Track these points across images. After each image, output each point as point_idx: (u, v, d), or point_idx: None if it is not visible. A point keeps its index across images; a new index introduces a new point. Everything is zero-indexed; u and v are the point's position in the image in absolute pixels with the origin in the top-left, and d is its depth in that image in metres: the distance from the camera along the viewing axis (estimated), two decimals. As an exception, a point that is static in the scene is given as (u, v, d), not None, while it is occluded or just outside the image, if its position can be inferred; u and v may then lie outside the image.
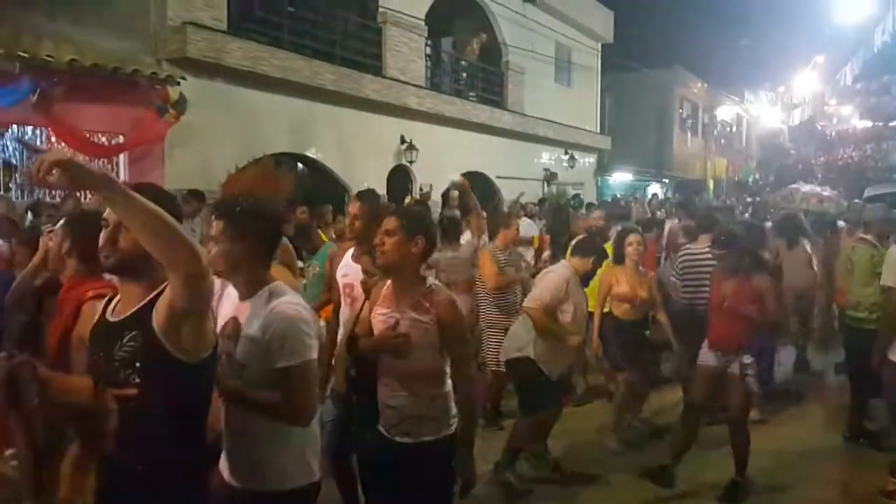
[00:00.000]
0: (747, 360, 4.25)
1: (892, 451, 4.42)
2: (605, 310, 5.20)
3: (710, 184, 29.43)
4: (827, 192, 14.82)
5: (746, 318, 4.21)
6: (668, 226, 9.07)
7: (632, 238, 5.11)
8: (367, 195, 3.85)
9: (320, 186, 11.64)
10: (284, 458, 2.20)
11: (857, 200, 11.57)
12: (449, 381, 2.77)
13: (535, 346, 4.23)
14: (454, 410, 2.77)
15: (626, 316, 5.10)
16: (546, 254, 7.65)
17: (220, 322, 2.23)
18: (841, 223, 8.64)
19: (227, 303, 2.33)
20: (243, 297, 2.25)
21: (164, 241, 1.67)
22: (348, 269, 4.23)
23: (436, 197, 13.52)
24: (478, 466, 2.87)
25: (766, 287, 4.31)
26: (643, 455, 4.87)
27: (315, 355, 2.19)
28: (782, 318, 5.35)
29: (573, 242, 4.83)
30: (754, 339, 4.35)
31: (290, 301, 2.19)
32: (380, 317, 2.77)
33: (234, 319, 2.21)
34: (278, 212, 2.56)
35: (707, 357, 4.35)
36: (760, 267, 4.49)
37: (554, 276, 4.33)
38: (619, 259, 5.14)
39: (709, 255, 4.91)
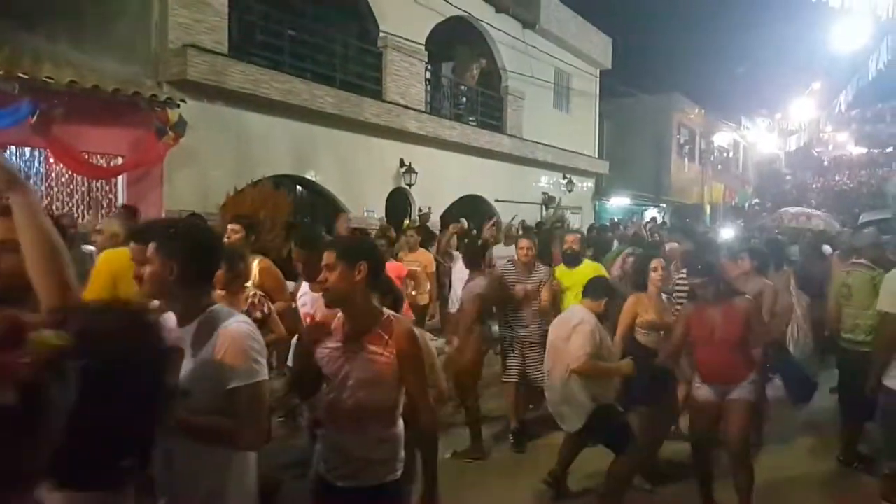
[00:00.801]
0: (755, 379, 4.14)
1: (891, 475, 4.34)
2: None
3: (707, 209, 29.48)
4: (815, 212, 14.90)
5: (740, 344, 4.11)
6: (666, 248, 9.03)
7: (655, 263, 4.83)
8: (306, 241, 3.96)
9: (319, 209, 11.63)
10: (231, 488, 2.10)
11: (846, 228, 11.61)
12: (400, 423, 2.57)
13: (587, 390, 4.18)
14: (402, 455, 2.56)
15: (654, 345, 4.74)
16: None
17: None
18: (827, 248, 8.63)
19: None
20: (182, 322, 2.11)
21: (47, 265, 1.65)
22: (307, 299, 4.21)
23: (434, 219, 13.53)
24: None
25: (751, 309, 4.23)
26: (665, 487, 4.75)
27: (266, 376, 2.10)
28: (776, 335, 5.24)
29: (586, 284, 4.65)
30: (755, 363, 4.23)
31: (240, 321, 2.13)
32: (325, 350, 2.53)
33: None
34: (214, 233, 2.42)
35: (701, 391, 4.23)
36: (735, 292, 4.38)
37: (584, 327, 4.18)
38: (642, 286, 4.85)
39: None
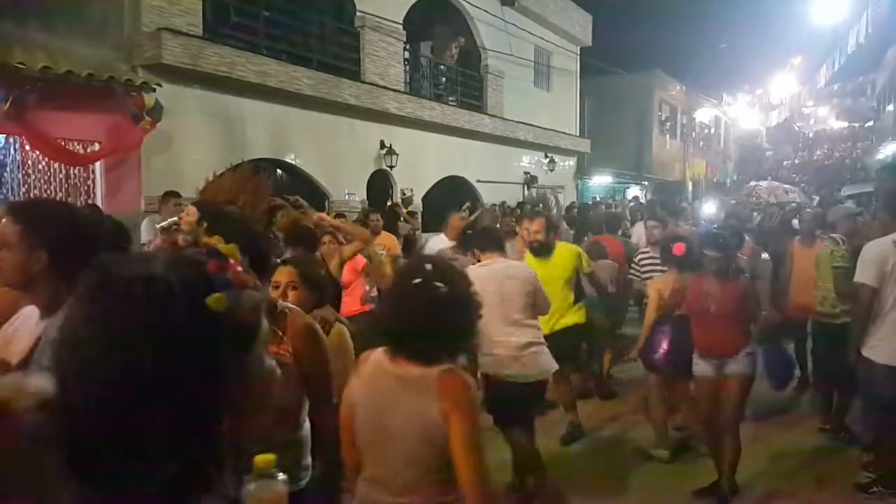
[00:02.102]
0: (749, 350, 4.24)
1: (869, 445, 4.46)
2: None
3: (689, 185, 29.67)
4: (791, 187, 15.11)
5: (736, 320, 4.21)
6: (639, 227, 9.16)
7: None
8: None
9: (300, 193, 11.58)
10: None
11: (814, 205, 11.81)
12: (307, 425, 2.34)
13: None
14: (308, 461, 2.33)
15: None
16: None
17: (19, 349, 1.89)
18: (796, 223, 8.77)
19: (26, 326, 1.95)
20: (45, 314, 1.89)
21: None
22: None
23: (417, 201, 13.54)
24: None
25: (748, 287, 4.35)
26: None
27: None
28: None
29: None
30: (750, 336, 4.33)
31: None
32: None
33: (38, 340, 1.85)
34: (89, 216, 2.14)
35: (699, 366, 4.33)
36: (738, 269, 4.51)
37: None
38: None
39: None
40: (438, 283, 2.01)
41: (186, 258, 0.88)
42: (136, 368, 0.74)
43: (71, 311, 0.81)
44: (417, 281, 2.03)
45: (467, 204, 11.44)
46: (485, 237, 4.66)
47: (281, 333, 2.27)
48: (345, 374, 2.31)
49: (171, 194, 7.42)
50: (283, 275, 2.90)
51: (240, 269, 0.91)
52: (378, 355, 2.11)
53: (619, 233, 8.54)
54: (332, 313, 3.16)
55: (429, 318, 1.99)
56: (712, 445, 4.40)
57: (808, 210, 7.49)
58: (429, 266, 2.08)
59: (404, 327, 2.02)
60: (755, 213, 9.91)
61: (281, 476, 1.04)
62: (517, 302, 4.17)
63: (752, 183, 15.35)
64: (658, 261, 5.63)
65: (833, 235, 5.41)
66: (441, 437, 1.92)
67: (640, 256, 6.24)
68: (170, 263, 0.83)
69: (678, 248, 4.86)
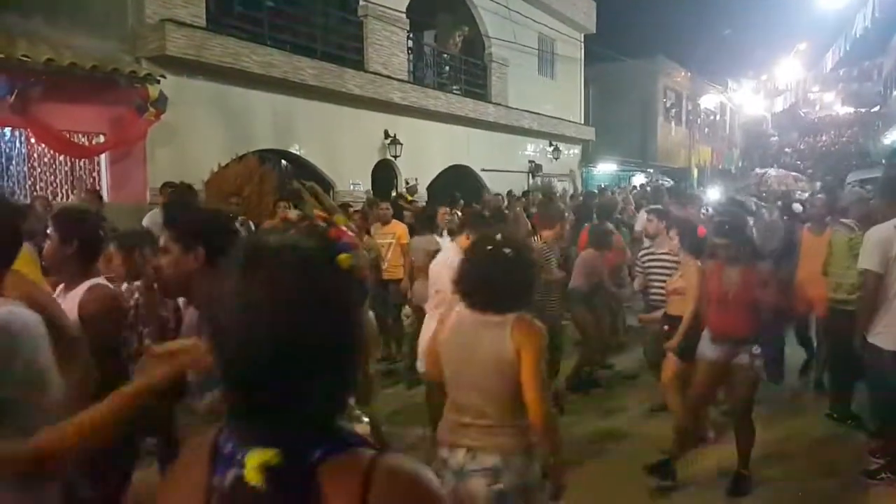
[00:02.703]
0: (756, 350, 4.23)
1: (877, 432, 4.46)
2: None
3: (695, 172, 29.56)
4: (800, 175, 15.04)
5: (753, 306, 4.20)
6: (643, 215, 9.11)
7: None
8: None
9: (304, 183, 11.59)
10: None
11: (819, 185, 11.67)
12: None
13: None
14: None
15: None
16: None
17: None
18: (797, 206, 8.66)
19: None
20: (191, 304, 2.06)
21: None
22: None
23: (421, 191, 13.53)
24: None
25: (768, 274, 4.32)
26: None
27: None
28: (784, 304, 5.29)
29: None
30: (761, 327, 4.32)
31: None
32: None
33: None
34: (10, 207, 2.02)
35: (708, 349, 4.32)
36: (758, 255, 4.48)
37: None
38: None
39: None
40: (506, 250, 2.48)
41: (312, 228, 1.06)
42: (299, 321, 0.91)
43: (228, 282, 0.94)
44: (490, 248, 2.52)
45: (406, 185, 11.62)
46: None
47: None
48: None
49: (169, 185, 7.40)
50: None
51: (351, 234, 1.17)
52: (460, 308, 2.54)
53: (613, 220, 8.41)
54: None
55: (500, 276, 2.45)
56: (686, 425, 4.39)
57: (818, 196, 7.08)
58: (498, 236, 2.57)
59: (482, 284, 2.47)
60: (762, 208, 9.65)
61: (365, 419, 1.17)
62: None
63: (760, 170, 15.25)
64: (657, 255, 5.50)
65: (845, 221, 5.34)
66: (512, 369, 2.34)
67: (640, 252, 6.01)
68: (302, 234, 1.01)
69: (701, 232, 4.85)
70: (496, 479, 2.31)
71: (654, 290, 5.45)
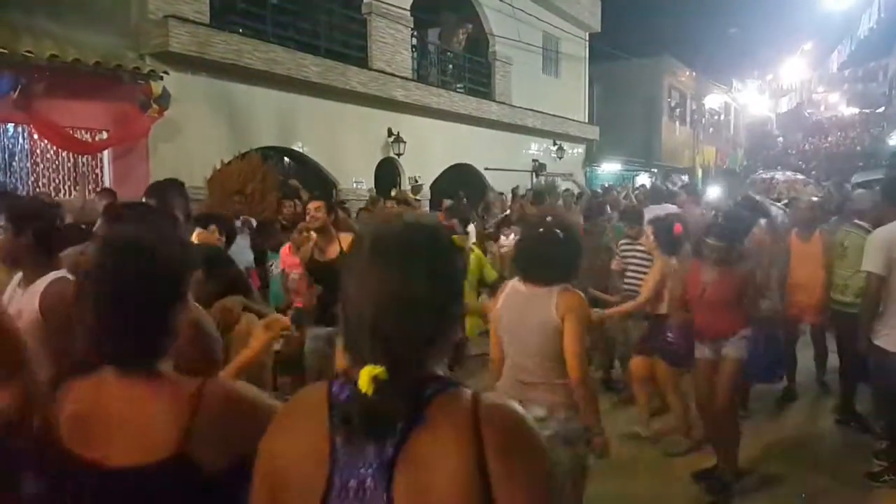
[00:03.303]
0: (742, 336, 4.20)
1: (881, 434, 4.44)
2: None
3: (699, 172, 29.49)
4: (808, 179, 14.91)
5: (731, 306, 4.17)
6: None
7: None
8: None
9: (307, 181, 11.58)
10: None
11: (824, 184, 11.48)
12: None
13: None
14: None
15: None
16: None
17: None
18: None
19: None
20: None
21: None
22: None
23: (425, 189, 13.52)
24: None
25: (748, 276, 4.28)
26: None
27: None
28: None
29: None
30: (747, 320, 4.28)
31: None
32: None
33: None
34: None
35: (699, 349, 4.31)
36: (741, 257, 4.43)
37: None
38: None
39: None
40: (556, 231, 2.92)
41: (427, 217, 1.47)
42: (427, 288, 1.11)
43: (363, 259, 1.15)
44: (541, 230, 2.96)
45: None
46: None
47: None
48: (257, 365, 2.27)
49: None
50: None
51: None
52: (513, 282, 3.01)
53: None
54: (240, 302, 2.85)
55: (548, 254, 2.89)
56: (710, 429, 4.37)
57: (804, 199, 6.78)
58: (548, 219, 3.02)
59: (533, 261, 2.93)
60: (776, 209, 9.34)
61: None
62: None
63: (765, 174, 15.04)
64: (633, 245, 5.45)
65: (860, 223, 5.28)
66: (557, 335, 2.76)
67: (621, 240, 5.88)
68: (426, 222, 1.23)
69: (677, 229, 4.84)
70: (542, 428, 2.34)
71: (627, 280, 5.41)
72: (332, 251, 4.65)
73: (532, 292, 2.87)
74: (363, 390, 1.05)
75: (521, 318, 2.86)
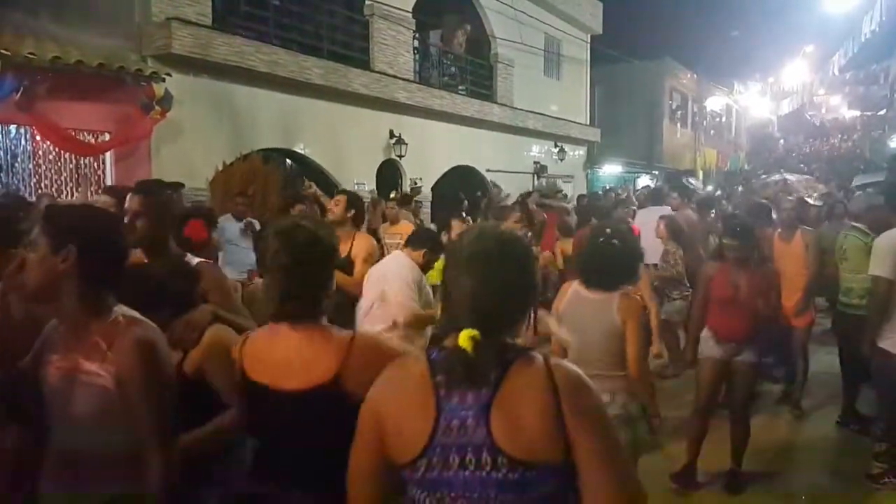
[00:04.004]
0: (752, 352, 4.21)
1: (882, 436, 4.44)
2: None
3: (700, 174, 29.49)
4: (811, 179, 14.83)
5: (755, 309, 4.20)
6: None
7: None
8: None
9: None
10: None
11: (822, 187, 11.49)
12: (154, 475, 1.91)
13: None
14: None
15: None
16: None
17: None
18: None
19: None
20: None
21: None
22: None
23: (426, 191, 13.53)
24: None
25: (773, 278, 4.33)
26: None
27: None
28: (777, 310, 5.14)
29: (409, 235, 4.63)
30: (761, 329, 4.31)
31: None
32: (51, 368, 1.89)
33: None
34: None
35: (711, 348, 4.32)
36: (764, 259, 4.50)
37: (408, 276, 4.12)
38: None
39: None
40: (615, 241, 3.21)
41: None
42: (516, 280, 1.50)
43: (461, 259, 1.51)
44: (602, 240, 3.23)
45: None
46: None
47: (104, 348, 1.81)
48: (226, 381, 2.12)
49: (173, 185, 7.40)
50: None
51: None
52: (575, 286, 3.31)
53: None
54: (208, 313, 2.37)
55: (609, 262, 3.19)
56: (698, 429, 4.36)
57: (788, 198, 7.21)
58: (608, 230, 3.31)
59: (595, 271, 3.23)
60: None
61: None
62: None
63: (777, 176, 14.93)
64: None
65: (857, 225, 5.31)
66: (618, 334, 3.10)
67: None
68: (513, 234, 1.66)
69: (634, 231, 4.93)
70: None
71: None
72: (342, 251, 4.39)
73: (594, 297, 3.19)
74: (463, 346, 1.39)
75: (583, 319, 3.14)
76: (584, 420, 1.41)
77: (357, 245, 4.47)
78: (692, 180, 20.99)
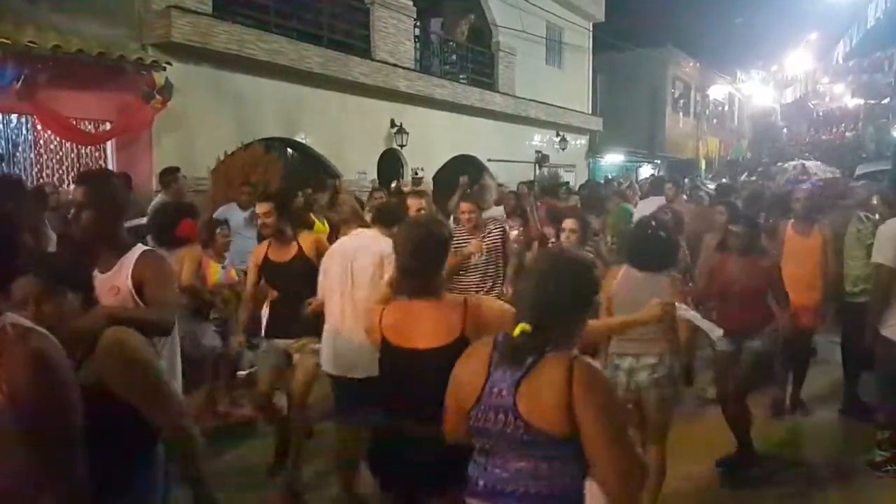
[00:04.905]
0: (759, 341, 4.21)
1: (884, 424, 4.44)
2: None
3: (703, 163, 29.40)
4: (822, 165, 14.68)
5: (758, 298, 4.20)
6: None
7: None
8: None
9: (311, 172, 11.58)
10: None
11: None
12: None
13: None
14: None
15: None
16: None
17: None
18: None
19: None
20: None
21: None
22: None
23: (427, 179, 13.50)
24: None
25: (774, 267, 4.32)
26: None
27: None
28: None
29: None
30: (772, 316, 4.30)
31: None
32: None
33: None
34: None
35: (721, 343, 4.31)
36: (763, 248, 4.49)
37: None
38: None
39: None
40: (661, 232, 3.77)
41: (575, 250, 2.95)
42: (580, 289, 1.99)
43: (537, 271, 2.05)
44: (650, 231, 3.79)
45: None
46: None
47: None
48: (135, 387, 1.97)
49: (169, 170, 7.36)
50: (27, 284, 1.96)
51: None
52: (625, 268, 3.78)
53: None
54: (101, 317, 2.11)
55: (657, 248, 3.72)
56: (734, 418, 4.38)
57: (803, 188, 5.99)
58: (653, 221, 3.92)
59: (644, 254, 3.72)
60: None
61: None
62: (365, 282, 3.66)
63: (794, 162, 14.76)
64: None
65: (861, 214, 5.27)
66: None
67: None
68: (576, 254, 2.22)
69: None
70: (654, 371, 3.57)
71: None
72: (289, 252, 4.10)
73: (645, 276, 3.67)
74: (514, 335, 1.89)
75: (638, 294, 3.43)
76: (589, 410, 1.79)
77: (308, 244, 4.35)
78: (708, 183, 20.73)
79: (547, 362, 1.85)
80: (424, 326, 2.41)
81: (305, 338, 4.01)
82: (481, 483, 1.97)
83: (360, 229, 3.95)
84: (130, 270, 2.52)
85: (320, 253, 3.99)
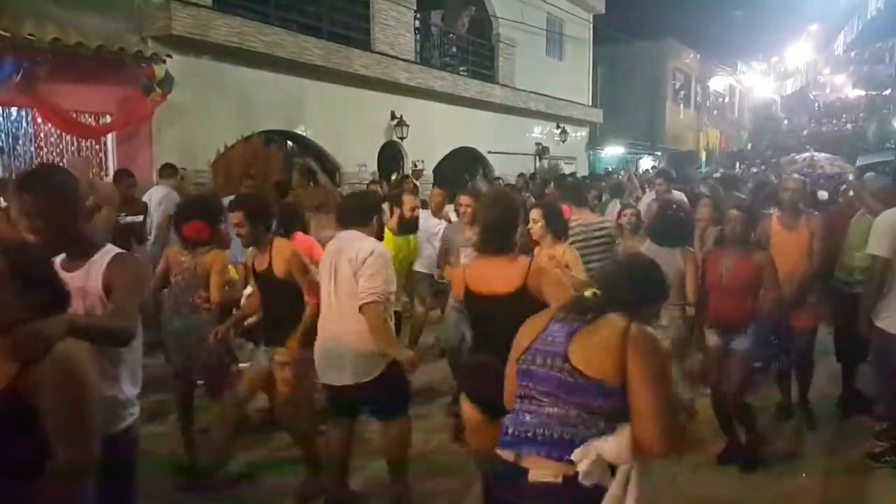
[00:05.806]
0: (747, 339, 4.21)
1: (882, 415, 4.46)
2: None
3: (703, 155, 29.38)
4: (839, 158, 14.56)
5: (745, 294, 4.18)
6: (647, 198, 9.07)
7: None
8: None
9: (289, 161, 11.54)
10: None
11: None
12: None
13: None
14: None
15: None
16: None
17: None
18: (823, 194, 8.39)
19: None
20: None
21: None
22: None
23: (427, 172, 13.50)
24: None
25: (765, 263, 4.28)
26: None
27: None
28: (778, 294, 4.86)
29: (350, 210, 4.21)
30: (755, 315, 4.29)
31: None
32: None
33: None
34: None
35: (710, 338, 4.32)
36: (757, 243, 4.48)
37: (379, 259, 3.54)
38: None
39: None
40: (680, 213, 4.79)
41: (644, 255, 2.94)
42: (646, 284, 2.31)
43: (618, 269, 2.44)
44: (670, 212, 4.75)
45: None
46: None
47: None
48: (61, 407, 1.85)
49: (169, 166, 7.44)
50: None
51: None
52: (647, 243, 4.68)
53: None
54: (63, 324, 1.93)
55: (675, 227, 4.62)
56: (721, 412, 4.39)
57: (793, 177, 5.58)
58: (674, 205, 4.95)
59: (665, 231, 4.60)
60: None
61: None
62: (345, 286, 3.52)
63: (804, 154, 14.65)
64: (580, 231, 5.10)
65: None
66: (682, 276, 4.44)
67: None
68: (646, 260, 2.54)
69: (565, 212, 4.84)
70: (668, 330, 4.09)
71: None
72: (264, 262, 3.91)
73: (665, 250, 4.37)
74: (586, 296, 2.17)
75: (661, 264, 3.66)
76: (637, 363, 1.96)
77: (282, 256, 3.99)
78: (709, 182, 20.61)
79: (606, 320, 2.06)
80: (497, 277, 3.10)
81: (279, 347, 3.84)
82: (510, 431, 2.10)
83: (344, 231, 3.67)
84: (101, 274, 2.30)
85: (291, 271, 3.82)
